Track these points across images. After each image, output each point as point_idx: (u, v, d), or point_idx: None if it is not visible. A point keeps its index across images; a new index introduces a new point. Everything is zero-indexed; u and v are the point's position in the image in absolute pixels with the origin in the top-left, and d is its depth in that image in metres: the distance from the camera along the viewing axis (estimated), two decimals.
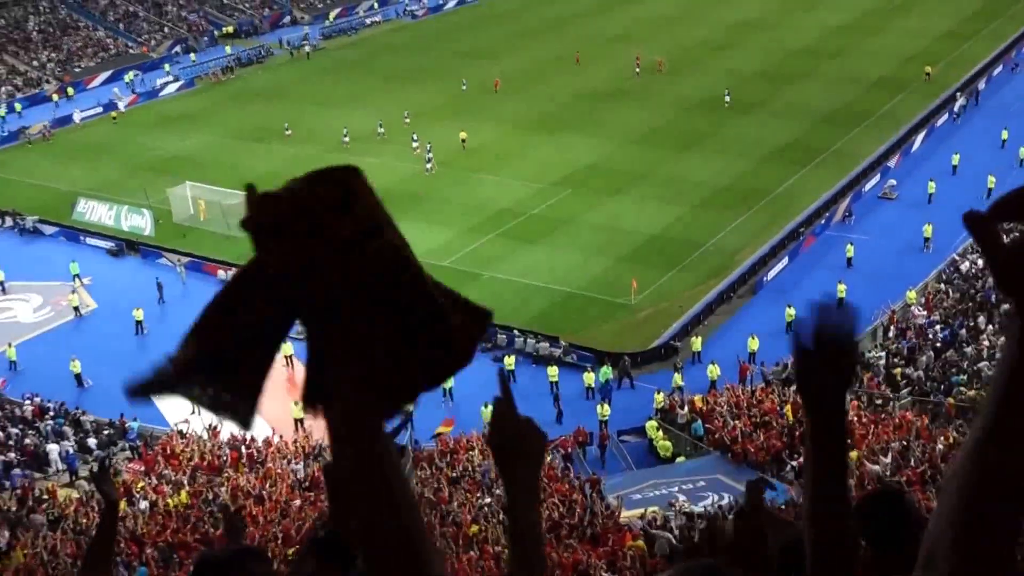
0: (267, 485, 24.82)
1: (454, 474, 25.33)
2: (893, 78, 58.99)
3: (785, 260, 39.32)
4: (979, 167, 44.69)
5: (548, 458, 26.27)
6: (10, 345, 35.72)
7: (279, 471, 26.16)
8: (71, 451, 28.84)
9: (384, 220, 1.40)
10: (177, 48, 77.35)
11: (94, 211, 46.95)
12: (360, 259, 1.34)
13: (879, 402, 28.73)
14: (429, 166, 48.58)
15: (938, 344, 31.18)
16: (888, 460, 22.80)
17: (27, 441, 29.06)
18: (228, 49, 75.61)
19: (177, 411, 30.44)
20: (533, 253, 40.17)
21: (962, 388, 27.78)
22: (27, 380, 33.84)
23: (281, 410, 31.44)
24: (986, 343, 29.86)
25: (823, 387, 1.64)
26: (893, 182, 45.99)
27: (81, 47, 75.14)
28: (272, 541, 20.17)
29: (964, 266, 36.21)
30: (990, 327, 30.84)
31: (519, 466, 1.86)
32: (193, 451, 27.97)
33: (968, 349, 30.14)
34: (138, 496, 24.43)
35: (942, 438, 23.73)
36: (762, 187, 44.88)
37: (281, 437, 29.50)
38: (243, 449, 28.04)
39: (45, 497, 25.33)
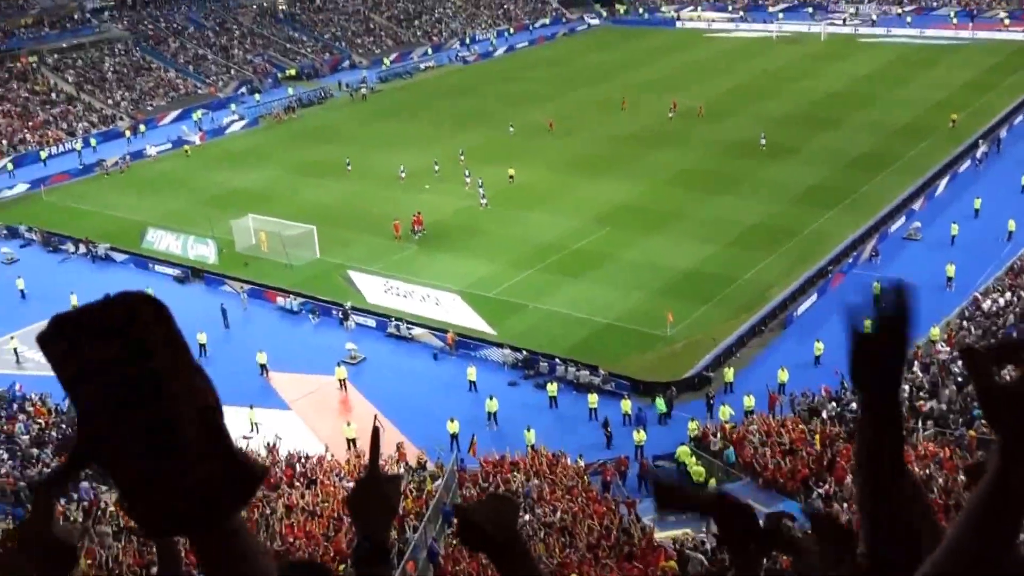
0: (319, 501, 25.61)
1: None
2: (918, 126, 60.35)
3: (814, 296, 40.13)
4: (1000, 211, 45.89)
5: (587, 481, 27.82)
6: None
7: (331, 487, 26.84)
8: None
9: (170, 351, 1.36)
10: (243, 89, 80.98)
11: (162, 240, 49.00)
12: (117, 381, 1.33)
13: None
14: (484, 201, 50.69)
15: (959, 379, 32.24)
16: None
17: None
18: (290, 90, 79.19)
19: (236, 428, 32.21)
20: (575, 286, 41.45)
21: (983, 421, 28.77)
22: None
23: (332, 429, 33.58)
24: (1008, 378, 30.71)
25: (882, 369, 1.64)
26: (918, 224, 46.84)
27: (153, 87, 78.89)
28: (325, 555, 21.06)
29: (986, 304, 36.76)
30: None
31: (371, 516, 1.91)
32: None
33: None
34: None
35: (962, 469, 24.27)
36: (793, 227, 45.97)
37: (333, 456, 30.57)
38: (297, 467, 28.95)
39: (111, 509, 25.24)
